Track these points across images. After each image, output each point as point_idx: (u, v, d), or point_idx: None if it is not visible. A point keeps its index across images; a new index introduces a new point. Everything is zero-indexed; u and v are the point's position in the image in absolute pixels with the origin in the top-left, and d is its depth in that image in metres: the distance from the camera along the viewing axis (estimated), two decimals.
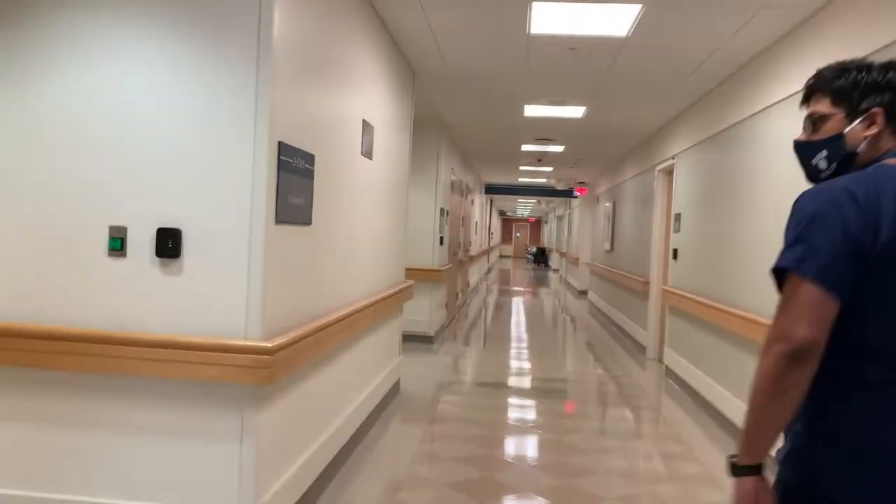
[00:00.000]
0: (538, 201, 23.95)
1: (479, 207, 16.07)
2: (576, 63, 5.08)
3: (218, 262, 2.48)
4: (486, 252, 21.18)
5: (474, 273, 15.18)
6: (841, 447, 1.25)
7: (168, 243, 2.48)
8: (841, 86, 1.40)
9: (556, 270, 25.29)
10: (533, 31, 4.36)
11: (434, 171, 8.03)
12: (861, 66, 1.40)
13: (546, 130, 8.37)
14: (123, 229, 2.51)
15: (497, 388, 6.01)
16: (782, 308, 1.25)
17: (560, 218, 25.15)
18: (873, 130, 1.37)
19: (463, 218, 11.53)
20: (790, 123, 4.32)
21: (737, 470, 1.30)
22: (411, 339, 7.80)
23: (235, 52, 2.48)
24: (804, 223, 1.26)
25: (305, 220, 2.93)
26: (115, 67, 2.52)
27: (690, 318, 6.11)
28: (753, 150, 4.85)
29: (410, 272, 7.60)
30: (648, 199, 8.27)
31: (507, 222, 42.57)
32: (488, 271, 23.40)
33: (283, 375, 2.56)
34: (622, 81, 5.62)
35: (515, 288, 18.16)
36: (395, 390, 5.41)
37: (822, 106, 1.42)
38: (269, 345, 2.41)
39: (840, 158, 1.39)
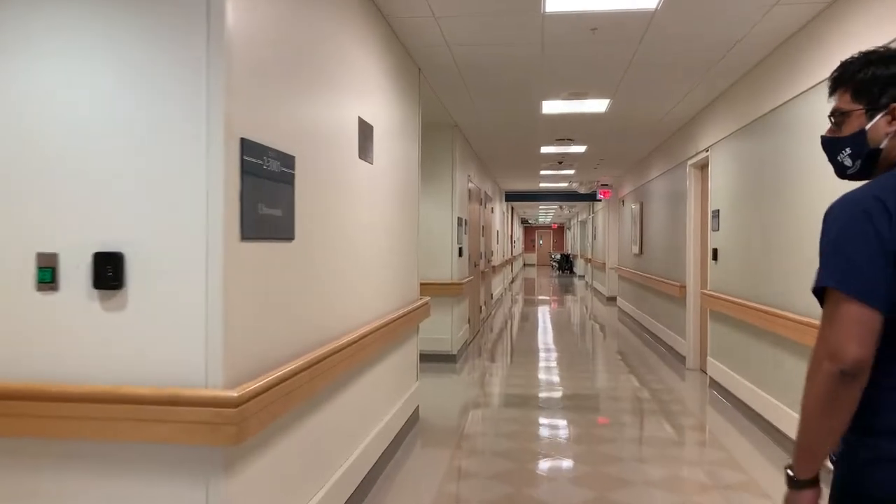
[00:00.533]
0: (560, 207, 23.35)
1: (499, 216, 15.54)
2: (597, 47, 4.55)
3: (169, 291, 1.98)
4: (510, 261, 20.61)
5: (497, 284, 14.63)
6: (883, 444, 1.26)
7: (108, 271, 1.99)
8: (861, 80, 1.36)
9: (582, 277, 24.59)
10: (548, 10, 3.84)
11: (449, 178, 7.53)
12: (883, 58, 1.35)
13: (566, 129, 7.83)
14: (54, 256, 2.03)
15: (525, 407, 5.45)
16: (828, 326, 1.24)
17: (583, 223, 24.51)
18: (891, 128, 1.34)
19: (483, 227, 11.01)
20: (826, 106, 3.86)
21: (795, 484, 1.33)
22: (432, 359, 7.28)
23: (179, 32, 1.99)
24: (840, 238, 1.25)
25: (285, 234, 2.44)
26: (26, 58, 2.05)
27: (735, 323, 5.51)
28: (798, 137, 4.28)
29: (427, 287, 7.09)
30: (680, 197, 7.67)
31: (529, 230, 41.92)
32: (512, 281, 22.81)
33: (258, 429, 2.04)
34: (649, 68, 5.07)
35: (541, 297, 17.56)
36: (413, 419, 4.89)
37: (844, 101, 1.40)
38: (235, 394, 1.91)
39: (864, 155, 1.37)
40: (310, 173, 2.70)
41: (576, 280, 25.27)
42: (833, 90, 1.44)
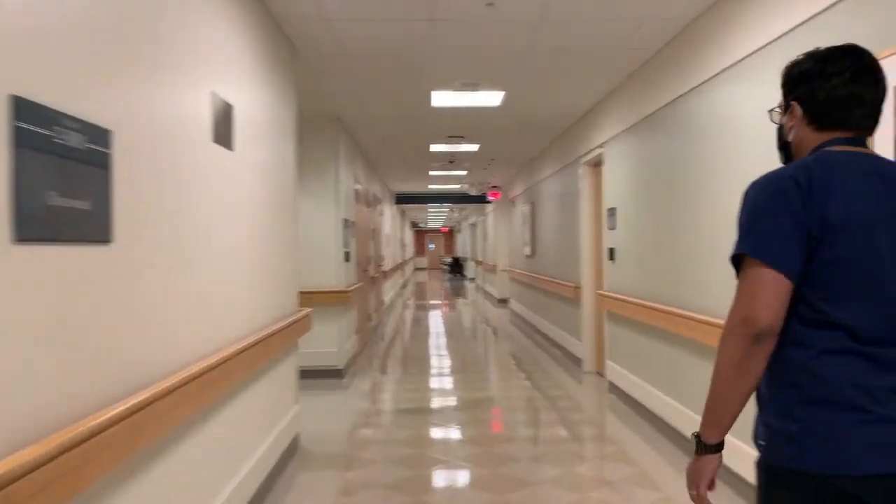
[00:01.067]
0: (451, 210, 23.17)
1: (389, 219, 15.03)
2: (493, 27, 4.15)
3: None
4: (401, 266, 20.14)
5: (389, 289, 14.11)
6: (823, 415, 1.29)
7: None
8: (783, 79, 1.51)
9: (473, 279, 24.55)
10: None
11: (333, 176, 6.92)
12: (798, 59, 1.47)
13: (458, 125, 7.45)
14: None
15: (419, 418, 4.96)
16: (742, 292, 1.32)
17: (473, 226, 24.47)
18: (792, 122, 1.47)
19: (373, 230, 10.46)
20: (729, 99, 3.70)
21: (703, 448, 1.39)
22: (318, 375, 6.65)
23: None
24: (756, 211, 1.34)
25: (95, 235, 1.81)
26: None
27: (634, 324, 5.30)
28: (696, 132, 4.09)
29: (309, 297, 6.45)
30: (573, 196, 7.49)
31: (421, 234, 41.68)
32: (404, 285, 22.36)
33: None
34: (547, 54, 4.74)
35: (433, 301, 17.20)
36: (292, 449, 4.27)
37: (781, 99, 1.53)
38: None
39: (783, 149, 1.53)
40: (138, 155, 2.08)
41: (467, 283, 25.20)
42: None
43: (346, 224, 7.28)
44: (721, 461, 1.41)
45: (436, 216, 28.68)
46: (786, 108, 1.50)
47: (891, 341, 1.31)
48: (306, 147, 6.75)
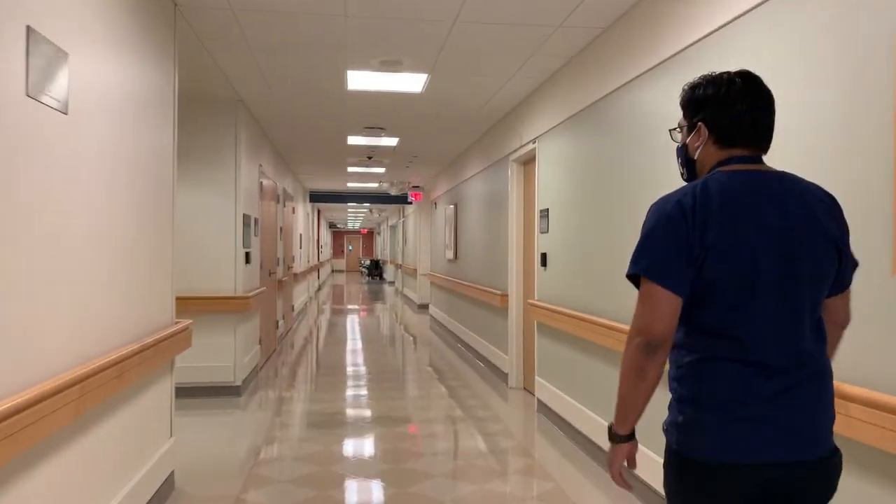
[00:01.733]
0: (370, 210, 22.37)
1: (302, 218, 14.13)
2: None
3: None
4: (316, 268, 19.19)
5: (301, 293, 13.21)
6: (699, 411, 1.48)
7: None
8: (684, 100, 1.63)
9: (392, 283, 23.83)
10: None
11: (232, 165, 6.09)
12: (698, 83, 1.60)
13: (377, 114, 6.76)
14: None
15: (328, 436, 4.25)
16: (640, 306, 1.48)
17: (393, 227, 23.77)
18: (699, 142, 1.59)
19: (281, 229, 9.60)
20: (655, 96, 3.41)
21: (615, 438, 1.57)
22: (209, 394, 5.81)
23: None
24: (649, 234, 1.50)
25: None
26: None
27: (567, 338, 4.78)
28: (629, 128, 3.62)
29: (198, 303, 5.62)
30: (501, 197, 6.94)
31: (339, 235, 40.56)
32: (319, 288, 21.39)
33: None
34: (476, 31, 4.15)
35: (349, 305, 16.38)
36: (164, 492, 3.47)
37: (682, 118, 1.66)
38: None
39: (687, 165, 1.66)
40: None
41: (386, 286, 24.44)
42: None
43: (248, 221, 6.45)
44: (636, 447, 1.59)
45: (355, 217, 27.78)
46: (689, 128, 1.62)
47: (770, 349, 1.45)
48: (202, 129, 5.91)
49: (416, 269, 15.04)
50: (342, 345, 9.58)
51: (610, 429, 1.58)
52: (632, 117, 3.72)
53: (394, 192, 13.23)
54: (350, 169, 11.14)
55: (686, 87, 1.62)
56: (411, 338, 10.53)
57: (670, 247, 1.45)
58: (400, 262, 19.60)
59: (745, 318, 1.45)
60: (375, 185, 13.58)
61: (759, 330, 1.44)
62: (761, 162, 1.56)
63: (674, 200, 1.49)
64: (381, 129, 7.39)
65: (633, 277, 1.51)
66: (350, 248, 41.13)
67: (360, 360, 8.26)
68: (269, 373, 7.26)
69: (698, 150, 1.59)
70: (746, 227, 1.44)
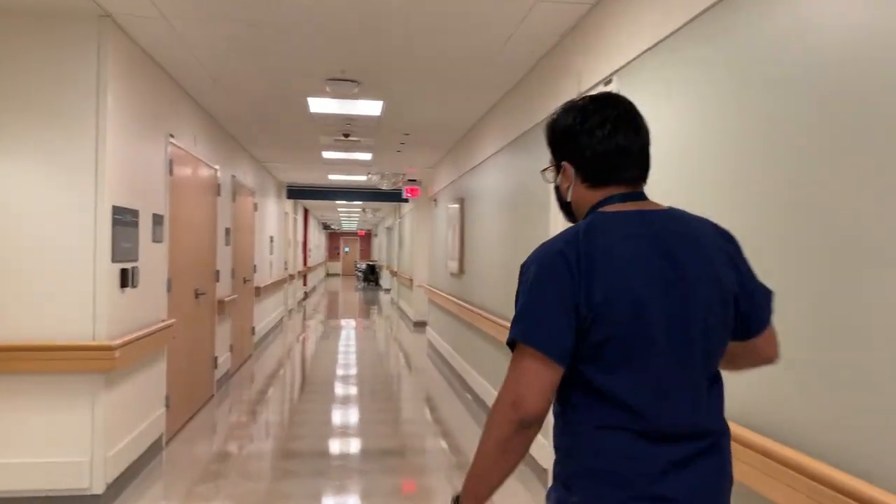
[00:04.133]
0: (364, 210, 19.93)
1: (277, 217, 11.69)
2: None
3: None
4: (300, 275, 16.75)
5: (269, 311, 10.75)
6: (602, 487, 1.29)
7: None
8: (547, 139, 1.46)
9: (389, 291, 21.37)
10: None
11: (90, 124, 3.64)
12: (554, 117, 1.43)
13: (345, 54, 4.32)
14: None
15: None
16: (512, 375, 1.29)
17: (389, 229, 21.33)
18: (567, 182, 1.42)
19: (229, 231, 7.18)
20: None
21: None
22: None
23: None
24: (527, 292, 1.31)
25: None
26: None
27: None
28: None
29: (17, 356, 3.15)
30: (535, 187, 4.49)
31: (334, 236, 38.13)
32: (305, 297, 18.94)
33: None
34: None
35: (336, 321, 13.87)
36: None
37: (551, 158, 1.48)
38: None
39: (563, 208, 1.47)
40: None
41: (381, 294, 21.98)
42: None
43: (135, 218, 4.01)
44: None
45: (349, 217, 25.33)
46: (557, 167, 1.45)
47: (665, 416, 1.28)
48: (16, 60, 3.48)
49: (411, 280, 12.60)
50: (315, 389, 7.11)
51: (456, 502, 1.35)
52: None
53: (385, 186, 10.80)
54: (326, 154, 8.68)
55: (547, 122, 1.46)
56: (405, 368, 8.05)
57: (552, 306, 1.27)
58: (395, 270, 17.14)
59: (637, 383, 1.28)
60: (363, 177, 11.14)
61: (652, 397, 1.28)
62: (643, 197, 1.39)
63: (554, 251, 1.30)
64: (354, 82, 4.93)
65: (511, 342, 1.32)
66: (346, 249, 38.67)
67: (332, 417, 5.80)
68: (176, 456, 4.80)
69: (569, 192, 1.42)
70: (633, 282, 1.27)
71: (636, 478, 1.26)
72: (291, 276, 14.29)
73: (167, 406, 4.83)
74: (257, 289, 9.10)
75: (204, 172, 5.99)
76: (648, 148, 1.39)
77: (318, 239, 26.61)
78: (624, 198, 1.36)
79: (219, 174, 6.64)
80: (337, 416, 5.86)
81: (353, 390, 6.96)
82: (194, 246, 5.64)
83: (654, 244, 1.30)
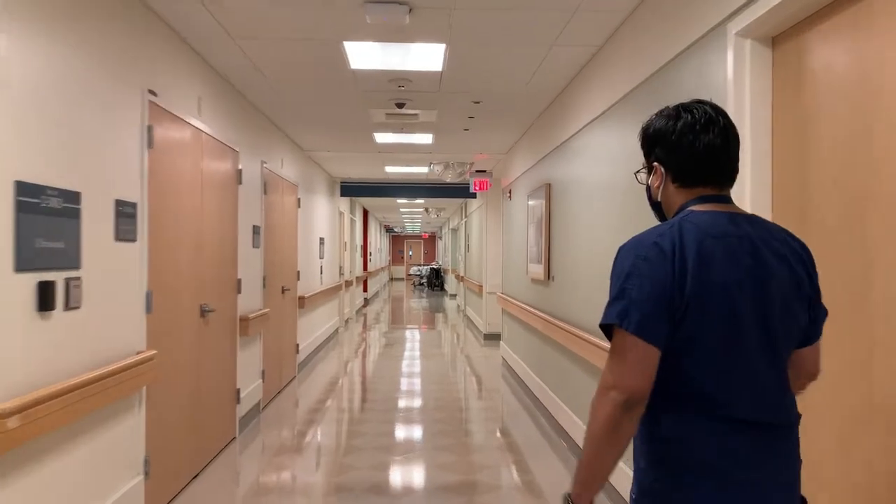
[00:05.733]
0: (427, 210, 18.51)
1: (327, 217, 10.36)
2: None
3: None
4: (360, 280, 15.47)
5: (319, 323, 9.39)
6: (694, 476, 1.32)
7: None
8: (641, 141, 1.53)
9: (454, 297, 19.85)
10: None
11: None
12: (650, 120, 1.51)
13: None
14: None
15: None
16: (612, 358, 1.33)
17: (455, 231, 19.84)
18: (657, 183, 1.48)
19: (257, 230, 5.82)
20: None
21: None
22: None
23: None
24: (622, 278, 1.35)
25: None
26: None
27: None
28: None
29: None
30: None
31: (397, 239, 36.97)
32: (365, 304, 17.65)
33: None
34: None
35: (400, 333, 12.45)
36: None
37: (644, 160, 1.55)
38: None
39: (654, 208, 1.54)
40: None
41: (447, 301, 20.49)
42: None
43: (63, 204, 2.60)
44: None
45: (411, 219, 24.00)
46: (649, 168, 1.51)
47: (750, 406, 1.33)
48: None
49: (481, 287, 11.04)
50: (370, 419, 5.64)
51: (567, 499, 1.37)
52: None
53: (450, 178, 9.29)
54: (379, 137, 7.23)
55: (642, 125, 1.53)
56: (473, 403, 6.49)
57: (649, 293, 1.31)
58: (462, 275, 15.61)
59: (725, 374, 1.34)
60: (424, 168, 9.67)
61: (742, 388, 1.34)
62: (730, 201, 1.45)
63: (649, 241, 1.36)
64: (403, 4, 3.40)
65: (606, 327, 1.37)
66: (410, 253, 37.45)
67: (389, 458, 4.30)
68: None
69: (660, 192, 1.49)
70: (724, 278, 1.33)
71: (726, 465, 1.30)
72: (348, 283, 12.96)
73: (146, 473, 3.42)
74: (301, 299, 7.74)
75: (213, 152, 4.62)
76: (737, 152, 1.44)
77: (379, 242, 25.40)
78: (712, 199, 1.42)
79: (241, 159, 5.26)
80: (396, 459, 4.36)
81: (417, 427, 5.45)
82: (198, 248, 4.26)
83: (743, 244, 1.35)
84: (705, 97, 2.77)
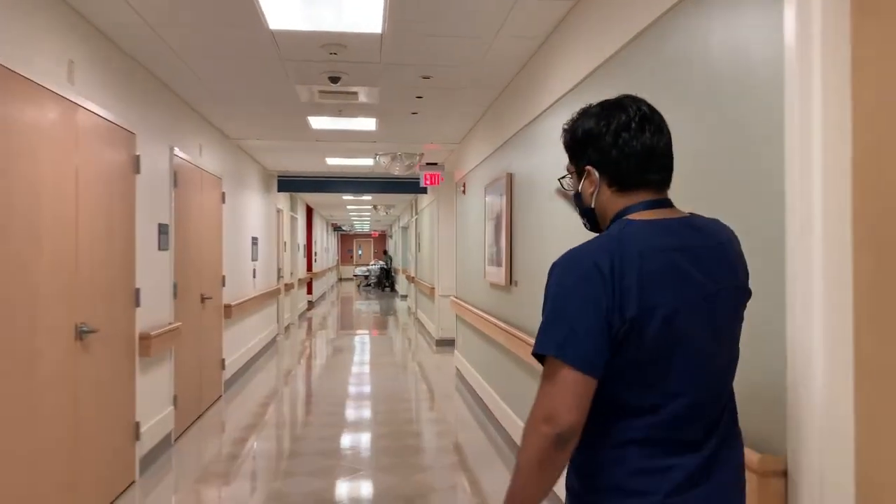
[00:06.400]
0: (375, 207, 17.62)
1: (263, 213, 9.40)
2: None
3: None
4: (300, 283, 14.50)
5: (252, 332, 8.45)
6: (612, 499, 1.28)
7: None
8: (566, 144, 1.42)
9: (405, 297, 19.01)
10: None
11: None
12: (577, 120, 1.39)
13: None
14: None
15: None
16: (546, 389, 1.24)
17: (405, 229, 19.03)
18: (592, 188, 1.36)
19: (165, 229, 4.90)
20: None
21: None
22: None
23: None
24: (558, 301, 1.26)
25: None
26: None
27: None
28: None
29: None
30: (688, 132, 2.12)
31: (346, 238, 35.89)
32: (309, 307, 16.65)
33: None
34: None
35: (346, 339, 11.53)
36: None
37: (568, 163, 1.43)
38: None
39: (586, 215, 1.42)
40: None
41: (398, 301, 19.64)
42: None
43: None
44: None
45: (359, 217, 23.04)
46: (579, 173, 1.40)
47: (692, 429, 1.26)
48: None
49: (433, 289, 10.24)
50: (307, 450, 4.77)
51: None
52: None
53: (398, 171, 8.44)
54: (315, 122, 6.35)
55: (565, 126, 1.41)
56: (426, 426, 5.68)
57: (585, 316, 1.21)
58: (413, 275, 14.78)
59: (668, 398, 1.25)
60: (369, 160, 8.81)
61: (683, 408, 1.25)
62: (671, 204, 1.35)
63: (588, 259, 1.24)
64: None
65: (539, 355, 1.27)
66: (360, 252, 36.40)
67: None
68: None
69: (594, 198, 1.37)
70: (666, 296, 1.23)
71: (656, 492, 1.24)
72: (288, 286, 11.99)
73: None
74: (227, 308, 6.79)
75: (96, 133, 3.68)
76: (671, 149, 1.35)
77: (326, 241, 24.33)
78: (651, 204, 1.32)
79: (140, 144, 4.32)
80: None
81: (363, 455, 4.61)
82: (71, 253, 3.33)
83: (685, 257, 1.27)
84: (735, 50, 2.03)
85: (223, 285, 6.67)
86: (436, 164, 8.77)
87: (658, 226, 1.28)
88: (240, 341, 7.61)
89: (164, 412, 4.80)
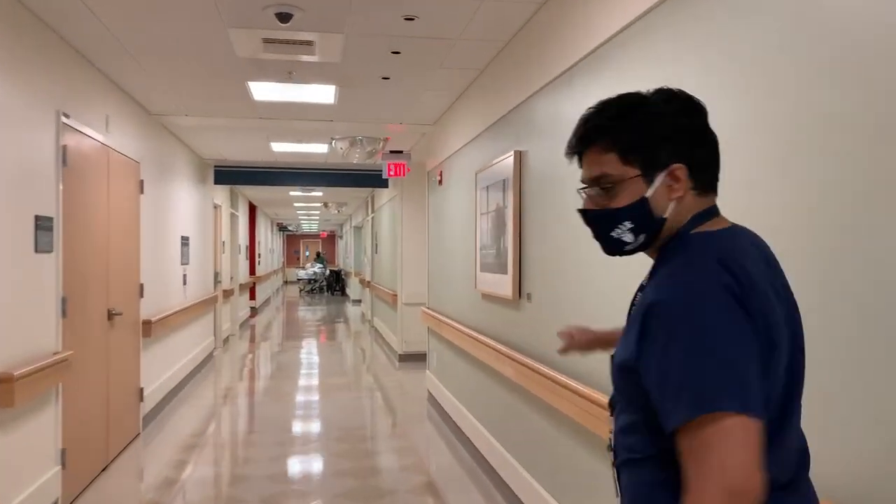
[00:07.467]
0: (325, 204, 16.23)
1: (196, 209, 7.99)
2: None
3: None
4: (242, 288, 13.04)
5: (181, 350, 7.03)
6: None
7: None
8: (630, 137, 1.09)
9: (358, 302, 17.62)
10: None
11: None
12: (644, 106, 1.10)
13: None
14: None
15: None
16: (713, 458, 0.92)
17: (358, 229, 17.71)
18: (679, 192, 1.09)
19: (46, 222, 3.52)
20: None
21: None
22: None
23: None
24: (708, 338, 0.96)
25: None
26: None
27: None
28: None
29: None
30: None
31: (293, 239, 34.14)
32: (252, 314, 15.13)
33: None
34: None
35: (291, 351, 10.14)
36: None
37: (610, 165, 1.09)
38: None
39: (650, 229, 1.11)
40: None
41: (349, 307, 18.26)
42: (585, 149, 1.12)
43: None
44: None
45: (308, 214, 21.53)
46: (647, 173, 1.08)
47: (793, 466, 1.07)
48: None
49: (395, 296, 8.98)
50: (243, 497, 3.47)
51: None
52: None
53: (358, 158, 7.16)
54: (257, 91, 5.04)
55: (619, 113, 1.10)
56: (398, 476, 4.44)
57: (744, 354, 0.96)
58: (368, 279, 13.45)
59: (790, 431, 1.07)
60: (323, 147, 7.51)
61: (794, 442, 1.07)
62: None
63: (718, 282, 0.98)
64: None
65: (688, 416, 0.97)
66: (307, 254, 34.71)
67: None
68: None
69: (672, 205, 1.09)
70: (779, 316, 1.03)
71: None
72: (228, 292, 10.54)
73: None
74: (147, 325, 5.40)
75: None
76: None
77: (271, 242, 22.70)
78: (717, 210, 1.13)
79: None
80: None
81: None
82: None
83: (770, 269, 1.08)
84: None
85: (141, 296, 5.28)
86: (401, 152, 7.54)
87: (738, 233, 1.10)
88: (164, 363, 6.21)
89: (44, 477, 3.44)
